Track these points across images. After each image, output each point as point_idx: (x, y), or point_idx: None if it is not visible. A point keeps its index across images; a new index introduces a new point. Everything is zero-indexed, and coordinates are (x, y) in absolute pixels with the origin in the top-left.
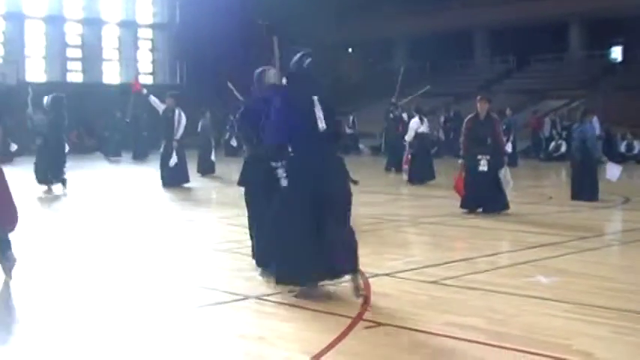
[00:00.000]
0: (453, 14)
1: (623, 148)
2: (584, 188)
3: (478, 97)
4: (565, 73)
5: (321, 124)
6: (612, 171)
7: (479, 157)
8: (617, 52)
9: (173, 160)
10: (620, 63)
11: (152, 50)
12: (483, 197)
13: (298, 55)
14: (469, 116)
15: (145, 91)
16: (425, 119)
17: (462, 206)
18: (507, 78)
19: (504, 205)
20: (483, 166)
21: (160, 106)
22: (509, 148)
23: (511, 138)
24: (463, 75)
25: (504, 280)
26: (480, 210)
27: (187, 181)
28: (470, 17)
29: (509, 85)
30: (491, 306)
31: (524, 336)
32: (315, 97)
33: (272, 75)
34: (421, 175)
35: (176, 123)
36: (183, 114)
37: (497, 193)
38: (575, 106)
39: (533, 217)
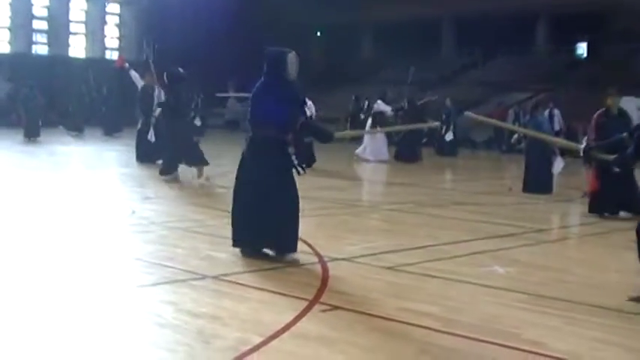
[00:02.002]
0: (421, 3)
1: (584, 142)
2: (539, 181)
3: (610, 91)
4: (530, 66)
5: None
6: (557, 164)
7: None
8: (582, 48)
9: (151, 135)
10: (585, 59)
11: (119, 25)
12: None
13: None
14: (598, 112)
15: (127, 65)
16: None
17: (590, 210)
18: (473, 69)
19: None
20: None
21: (140, 82)
22: (449, 137)
23: (451, 127)
24: (429, 64)
25: (461, 269)
26: (625, 214)
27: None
28: (438, 7)
29: (474, 76)
30: (446, 294)
31: (476, 324)
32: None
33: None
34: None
35: (156, 99)
36: (162, 91)
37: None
38: (540, 98)
39: (493, 207)
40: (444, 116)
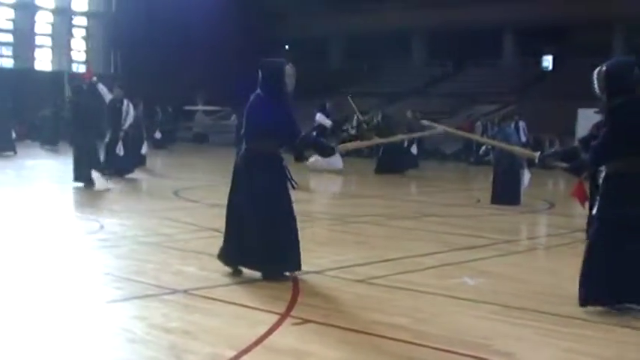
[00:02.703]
0: (392, 15)
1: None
2: (507, 192)
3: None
4: (498, 78)
5: None
6: (525, 177)
7: None
8: (548, 61)
9: (120, 149)
10: (551, 71)
11: (86, 38)
12: None
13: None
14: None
15: (94, 78)
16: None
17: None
18: (444, 81)
19: None
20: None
21: (108, 96)
22: (414, 150)
23: (415, 140)
24: (400, 76)
25: (431, 281)
26: None
27: (131, 171)
28: (409, 19)
29: (445, 88)
30: (416, 306)
31: (447, 335)
32: None
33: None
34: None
35: (124, 113)
36: (131, 104)
37: None
38: (508, 110)
39: (462, 219)
40: (405, 130)
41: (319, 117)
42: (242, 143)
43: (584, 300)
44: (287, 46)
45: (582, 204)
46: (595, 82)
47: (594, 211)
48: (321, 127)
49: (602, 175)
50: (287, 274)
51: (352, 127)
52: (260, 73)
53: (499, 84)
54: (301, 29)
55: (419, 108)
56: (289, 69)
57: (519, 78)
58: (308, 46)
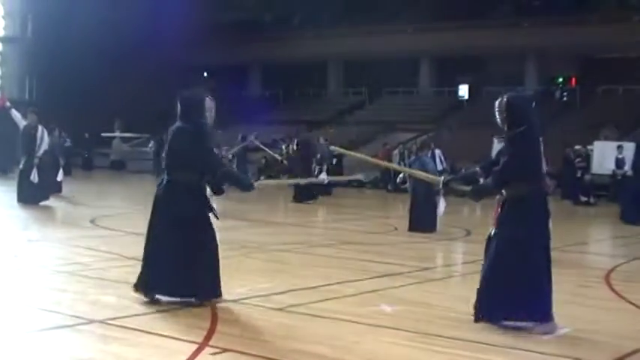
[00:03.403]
0: (308, 44)
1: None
2: (423, 219)
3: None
4: (415, 107)
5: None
6: (441, 204)
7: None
8: (464, 90)
9: (34, 176)
10: (467, 100)
11: (1, 64)
12: None
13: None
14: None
15: (8, 104)
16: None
17: None
18: (359, 109)
19: None
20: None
21: (22, 122)
22: (323, 176)
23: (324, 167)
24: (316, 104)
25: (349, 309)
26: None
27: (46, 198)
28: (324, 48)
29: (360, 116)
30: (335, 334)
31: None
32: None
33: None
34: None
35: (39, 140)
36: (45, 130)
37: None
38: (424, 138)
39: (379, 247)
40: (318, 156)
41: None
42: (163, 174)
43: (478, 316)
44: (206, 74)
45: None
46: (497, 111)
47: (493, 232)
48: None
49: (502, 198)
50: (208, 300)
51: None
52: (179, 105)
53: (415, 112)
54: (220, 57)
55: (336, 136)
56: (209, 102)
57: (436, 106)
58: (227, 73)
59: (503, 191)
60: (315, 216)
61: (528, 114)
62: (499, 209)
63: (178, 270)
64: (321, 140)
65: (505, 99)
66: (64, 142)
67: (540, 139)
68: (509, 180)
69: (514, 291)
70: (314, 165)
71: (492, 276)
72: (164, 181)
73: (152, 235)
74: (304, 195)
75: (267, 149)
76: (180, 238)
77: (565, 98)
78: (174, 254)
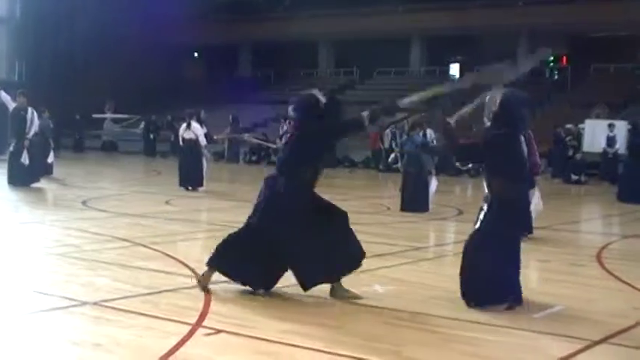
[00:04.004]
0: (299, 24)
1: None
2: (416, 199)
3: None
4: (406, 87)
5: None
6: (433, 184)
7: None
8: (455, 69)
9: (25, 158)
10: (458, 79)
11: None
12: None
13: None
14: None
15: None
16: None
17: None
18: (350, 89)
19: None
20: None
21: (11, 104)
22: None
23: None
24: (307, 84)
25: None
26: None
27: (37, 180)
28: (315, 28)
29: (352, 96)
30: (328, 314)
31: (359, 343)
32: None
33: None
34: None
35: (29, 122)
36: (35, 112)
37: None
38: (416, 118)
39: (372, 227)
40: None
41: (194, 128)
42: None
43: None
44: (196, 54)
45: None
46: (486, 105)
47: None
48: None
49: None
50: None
51: None
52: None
53: (407, 92)
54: (211, 37)
55: None
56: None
57: (427, 86)
58: (217, 54)
59: (489, 191)
60: None
61: (518, 116)
62: (486, 209)
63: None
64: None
65: (500, 97)
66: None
67: (525, 135)
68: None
69: (492, 278)
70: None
71: (475, 264)
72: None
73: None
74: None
75: (262, 142)
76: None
77: (556, 77)
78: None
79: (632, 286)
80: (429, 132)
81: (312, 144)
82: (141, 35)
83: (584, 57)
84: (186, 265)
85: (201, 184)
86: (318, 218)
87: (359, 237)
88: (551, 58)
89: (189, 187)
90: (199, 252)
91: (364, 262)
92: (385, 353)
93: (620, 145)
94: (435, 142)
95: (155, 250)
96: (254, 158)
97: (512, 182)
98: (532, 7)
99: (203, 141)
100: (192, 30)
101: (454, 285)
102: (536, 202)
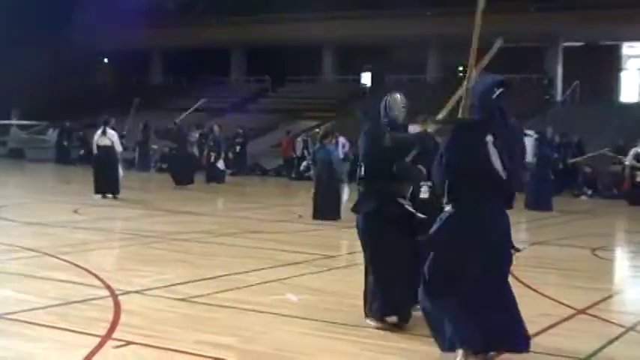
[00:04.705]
0: (211, 30)
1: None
2: (328, 207)
3: (421, 120)
4: (318, 95)
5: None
6: (344, 193)
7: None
8: (366, 78)
9: None
10: (370, 88)
11: None
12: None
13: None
14: None
15: None
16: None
17: None
18: (262, 97)
19: None
20: (424, 193)
21: None
22: (220, 165)
23: (222, 155)
24: (219, 91)
25: (254, 298)
26: None
27: None
28: (227, 35)
29: (264, 104)
30: (241, 324)
31: (272, 353)
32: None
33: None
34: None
35: None
36: None
37: None
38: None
39: (283, 235)
40: (211, 143)
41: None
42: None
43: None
44: (106, 59)
45: None
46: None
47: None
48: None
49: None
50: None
51: None
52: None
53: (318, 100)
54: (121, 42)
55: (240, 124)
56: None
57: (338, 94)
58: (128, 59)
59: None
60: (217, 205)
61: (481, 105)
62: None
63: None
64: (216, 129)
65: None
66: None
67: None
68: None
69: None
70: (207, 151)
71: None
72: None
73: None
74: (183, 177)
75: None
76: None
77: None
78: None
79: (539, 293)
80: (341, 140)
81: None
82: (50, 40)
83: (492, 66)
84: (96, 276)
85: (117, 191)
86: None
87: (270, 245)
88: (460, 67)
89: (106, 195)
90: (109, 262)
91: (275, 270)
92: None
93: (528, 155)
94: (347, 149)
95: (63, 260)
96: (164, 166)
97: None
98: (441, 17)
99: (119, 147)
100: (102, 35)
101: None
102: None
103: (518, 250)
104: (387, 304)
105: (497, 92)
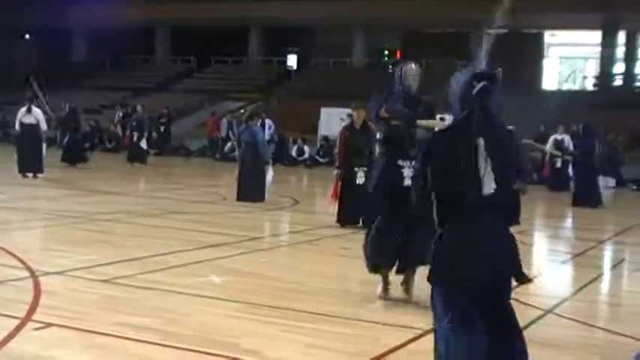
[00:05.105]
0: (136, 9)
1: (294, 152)
2: (252, 189)
3: (354, 105)
4: (244, 76)
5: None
6: (269, 173)
7: (355, 169)
8: (292, 60)
9: None
10: (295, 70)
11: None
12: (363, 210)
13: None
14: (344, 125)
15: None
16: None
17: (338, 222)
18: (188, 77)
19: None
20: (360, 178)
21: None
22: (143, 145)
23: (145, 135)
24: (144, 71)
25: (177, 280)
26: (360, 224)
27: None
28: (152, 13)
29: (189, 84)
30: (163, 306)
31: (195, 335)
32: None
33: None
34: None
35: None
36: None
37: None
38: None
39: (207, 216)
40: (134, 123)
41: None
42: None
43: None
44: (27, 36)
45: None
46: None
47: None
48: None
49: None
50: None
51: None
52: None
53: (244, 81)
54: (43, 19)
55: (165, 104)
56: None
57: (264, 76)
58: (51, 37)
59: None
60: (140, 185)
61: (461, 104)
62: None
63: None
64: (139, 109)
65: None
66: None
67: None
68: None
69: None
70: (129, 131)
71: None
72: None
73: None
74: (75, 156)
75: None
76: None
77: (390, 70)
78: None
79: None
80: (268, 122)
81: None
82: None
83: (416, 51)
84: (15, 256)
85: (41, 171)
86: None
87: (193, 227)
88: (386, 52)
89: (29, 175)
90: (30, 242)
91: (199, 252)
92: (222, 345)
93: None
94: (273, 131)
95: None
96: (87, 145)
97: None
98: (368, 1)
99: (44, 126)
100: (23, 11)
101: (289, 275)
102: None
103: (527, 281)
104: None
105: (478, 87)
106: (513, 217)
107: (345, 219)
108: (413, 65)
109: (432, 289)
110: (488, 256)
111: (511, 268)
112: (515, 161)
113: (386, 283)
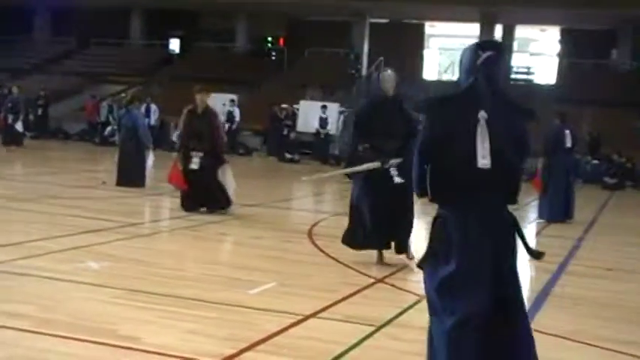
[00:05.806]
0: None
1: (175, 137)
2: (132, 174)
3: (197, 88)
4: (125, 59)
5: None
6: (150, 158)
7: (192, 153)
8: (175, 44)
9: None
10: (178, 54)
11: None
12: (204, 196)
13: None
14: (187, 108)
15: None
16: None
17: (182, 207)
18: (67, 59)
19: (227, 203)
20: (194, 164)
21: None
22: (19, 127)
23: (21, 117)
24: (22, 51)
25: (54, 266)
26: (204, 209)
27: None
28: None
29: (68, 66)
30: (40, 292)
31: (72, 322)
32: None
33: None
34: None
35: None
36: None
37: (217, 191)
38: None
39: (86, 201)
40: (9, 105)
41: None
42: None
43: None
44: None
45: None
46: None
47: None
48: None
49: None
50: None
51: None
52: None
53: (125, 65)
54: None
55: (43, 85)
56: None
57: (146, 59)
58: None
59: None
60: (16, 169)
61: (466, 74)
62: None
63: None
64: (15, 90)
65: None
66: None
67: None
68: None
69: None
70: (4, 113)
71: None
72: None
73: None
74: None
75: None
76: None
77: (274, 58)
78: None
79: (341, 262)
80: (153, 107)
81: None
82: None
83: (300, 40)
84: None
85: None
86: None
87: (71, 212)
88: (269, 39)
89: None
90: None
91: (77, 238)
92: (101, 332)
93: (332, 127)
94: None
95: None
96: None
97: None
98: None
99: None
100: None
101: (169, 261)
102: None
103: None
104: None
105: (484, 56)
106: (512, 196)
107: (188, 205)
108: (389, 71)
109: (424, 277)
110: (485, 249)
111: (512, 259)
112: (522, 139)
113: (380, 254)
